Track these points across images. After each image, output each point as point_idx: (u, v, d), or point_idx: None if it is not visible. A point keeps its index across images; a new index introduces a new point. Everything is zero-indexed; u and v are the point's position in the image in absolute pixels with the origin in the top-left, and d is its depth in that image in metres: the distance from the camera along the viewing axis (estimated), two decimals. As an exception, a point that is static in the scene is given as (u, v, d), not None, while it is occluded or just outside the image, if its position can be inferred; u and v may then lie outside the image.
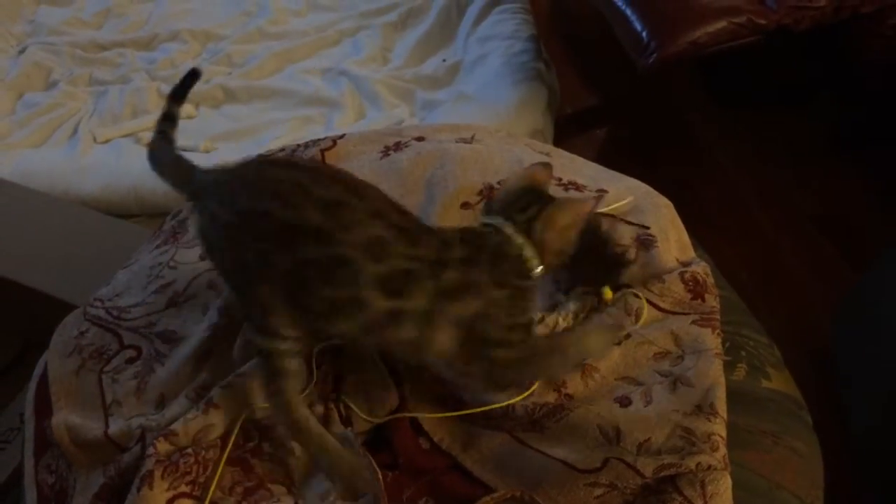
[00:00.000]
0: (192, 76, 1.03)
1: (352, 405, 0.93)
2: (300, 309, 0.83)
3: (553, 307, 0.99)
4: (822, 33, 1.80)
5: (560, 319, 0.98)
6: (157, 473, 0.84)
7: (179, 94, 1.02)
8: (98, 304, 1.10)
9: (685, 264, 1.04)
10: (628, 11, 1.82)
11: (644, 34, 1.76)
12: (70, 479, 0.95)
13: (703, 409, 0.89)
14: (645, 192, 1.14)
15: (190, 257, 1.12)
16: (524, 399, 0.92)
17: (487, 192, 1.09)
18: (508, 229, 0.84)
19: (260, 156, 1.09)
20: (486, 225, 0.86)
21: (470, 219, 1.06)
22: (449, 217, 1.06)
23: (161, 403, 0.97)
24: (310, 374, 0.92)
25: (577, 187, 1.11)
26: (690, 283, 1.00)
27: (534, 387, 0.92)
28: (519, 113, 1.86)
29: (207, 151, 1.85)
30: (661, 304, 0.99)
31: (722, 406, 0.90)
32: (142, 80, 2.09)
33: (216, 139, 1.90)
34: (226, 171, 0.89)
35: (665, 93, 2.34)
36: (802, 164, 2.13)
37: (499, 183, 1.09)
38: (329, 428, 0.91)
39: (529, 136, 1.78)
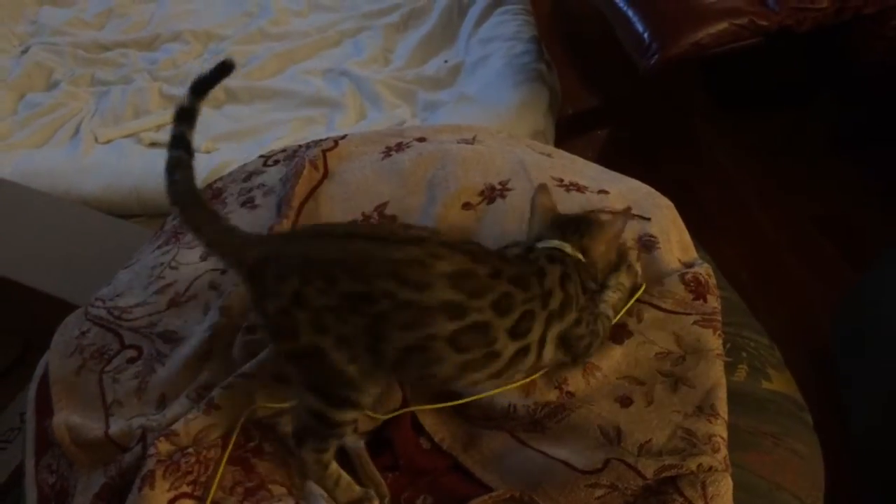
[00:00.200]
0: (224, 70, 0.94)
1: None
2: (409, 378, 0.88)
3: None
4: (823, 34, 1.80)
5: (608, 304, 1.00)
6: (159, 473, 0.84)
7: (204, 86, 0.94)
8: (99, 304, 1.10)
9: (687, 265, 1.04)
10: (630, 12, 1.82)
11: (645, 35, 1.76)
12: (71, 478, 0.95)
13: (705, 410, 0.89)
14: (646, 193, 1.14)
15: (191, 258, 1.12)
16: (525, 399, 0.92)
17: (489, 193, 1.09)
18: (568, 248, 0.92)
19: (328, 226, 0.99)
20: (551, 248, 0.92)
21: (471, 219, 1.06)
22: (450, 218, 1.06)
23: (162, 403, 0.96)
24: None
25: (579, 188, 1.11)
26: (692, 284, 1.00)
27: (535, 376, 0.93)
28: (520, 114, 1.86)
29: (209, 152, 1.86)
30: (663, 305, 0.99)
31: (723, 407, 0.90)
32: (144, 81, 2.09)
33: (217, 139, 1.90)
34: (291, 241, 0.89)
35: (666, 94, 2.34)
36: (802, 164, 2.13)
37: (500, 184, 1.09)
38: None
39: (531, 137, 1.78)
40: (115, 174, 1.79)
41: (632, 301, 0.99)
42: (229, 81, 2.05)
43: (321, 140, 1.23)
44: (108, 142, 1.93)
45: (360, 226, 0.85)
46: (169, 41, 2.24)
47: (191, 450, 0.87)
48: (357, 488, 0.88)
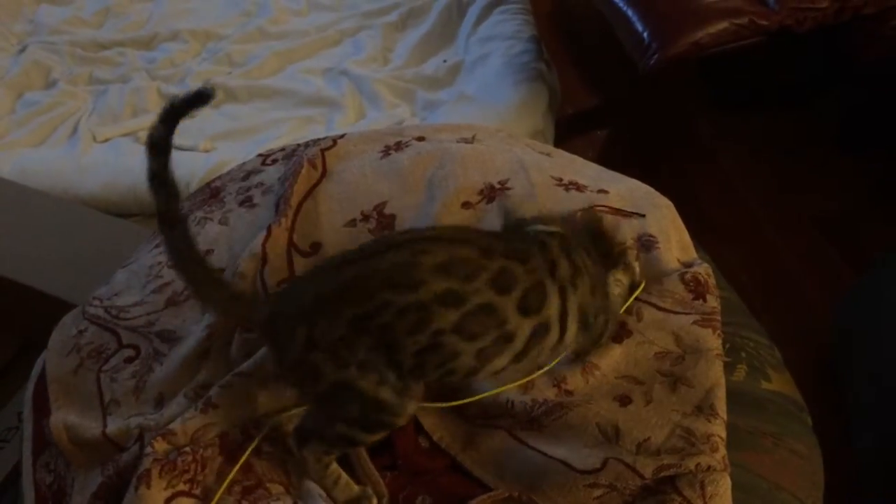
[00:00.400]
0: (200, 98, 0.93)
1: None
2: (433, 381, 0.86)
3: None
4: (824, 34, 1.80)
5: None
6: (155, 472, 0.84)
7: (176, 115, 0.91)
8: (97, 303, 1.09)
9: (687, 265, 1.04)
10: (629, 12, 1.82)
11: (645, 35, 1.76)
12: (68, 478, 0.95)
13: (703, 409, 0.89)
14: (645, 193, 1.13)
15: (189, 256, 1.11)
16: (523, 394, 0.92)
17: (488, 192, 1.09)
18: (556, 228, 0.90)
19: (321, 264, 0.93)
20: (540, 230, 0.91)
21: (471, 219, 1.06)
22: (450, 216, 1.06)
23: (160, 403, 0.96)
24: None
25: (578, 187, 1.11)
26: (692, 284, 1.00)
27: (534, 375, 0.92)
28: (520, 113, 1.86)
29: (207, 151, 1.85)
30: (662, 304, 0.99)
31: (722, 407, 0.90)
32: (142, 80, 2.09)
33: (216, 139, 1.90)
34: (290, 293, 0.89)
35: (666, 94, 2.34)
36: (802, 165, 2.13)
37: (499, 183, 1.09)
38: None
39: (530, 136, 1.78)
40: (113, 173, 1.78)
41: (631, 299, 0.99)
42: (228, 81, 2.07)
43: (320, 139, 1.23)
44: (106, 141, 1.92)
45: (348, 252, 0.85)
46: (167, 40, 2.24)
47: (188, 448, 0.87)
48: (355, 487, 0.88)
